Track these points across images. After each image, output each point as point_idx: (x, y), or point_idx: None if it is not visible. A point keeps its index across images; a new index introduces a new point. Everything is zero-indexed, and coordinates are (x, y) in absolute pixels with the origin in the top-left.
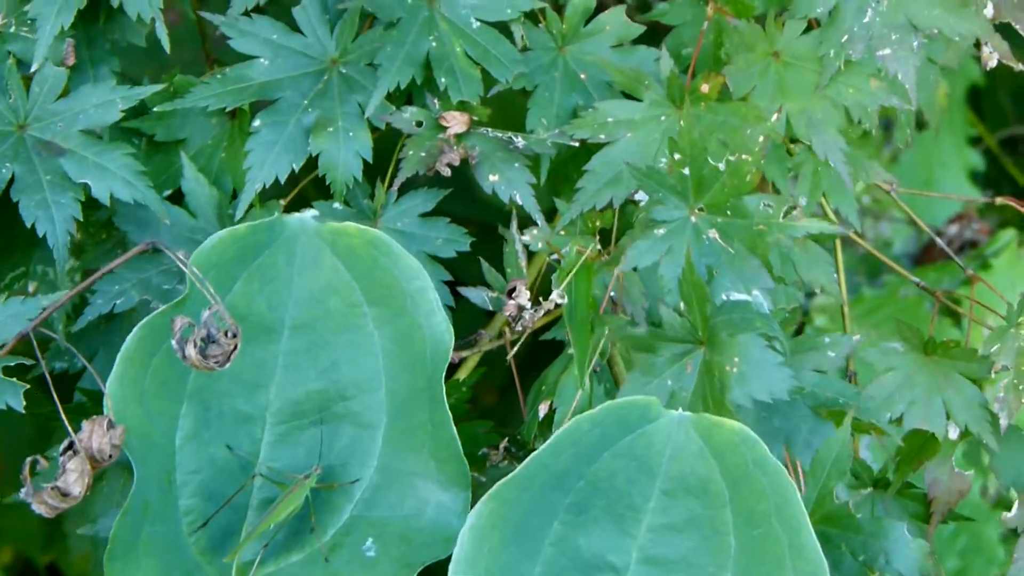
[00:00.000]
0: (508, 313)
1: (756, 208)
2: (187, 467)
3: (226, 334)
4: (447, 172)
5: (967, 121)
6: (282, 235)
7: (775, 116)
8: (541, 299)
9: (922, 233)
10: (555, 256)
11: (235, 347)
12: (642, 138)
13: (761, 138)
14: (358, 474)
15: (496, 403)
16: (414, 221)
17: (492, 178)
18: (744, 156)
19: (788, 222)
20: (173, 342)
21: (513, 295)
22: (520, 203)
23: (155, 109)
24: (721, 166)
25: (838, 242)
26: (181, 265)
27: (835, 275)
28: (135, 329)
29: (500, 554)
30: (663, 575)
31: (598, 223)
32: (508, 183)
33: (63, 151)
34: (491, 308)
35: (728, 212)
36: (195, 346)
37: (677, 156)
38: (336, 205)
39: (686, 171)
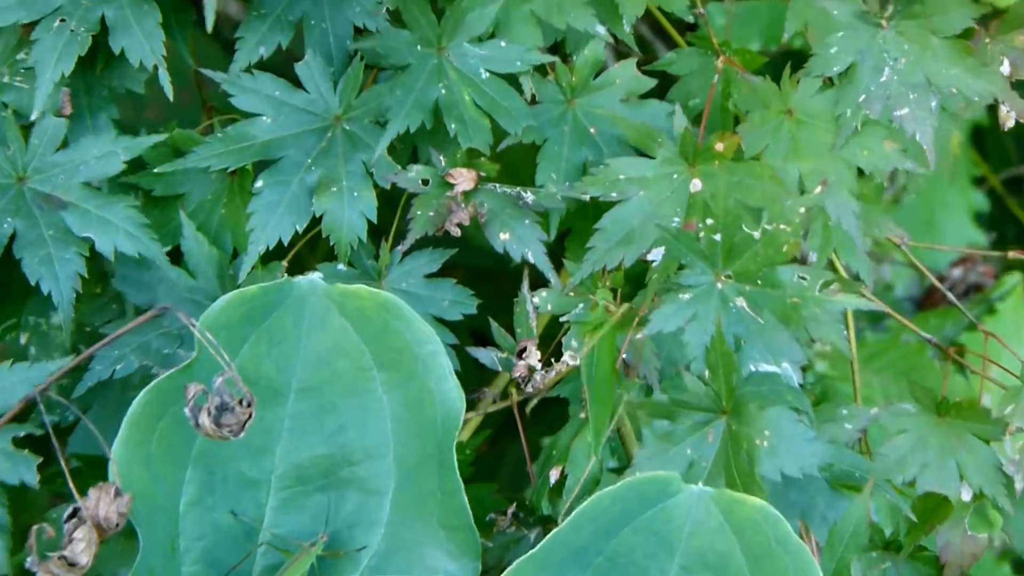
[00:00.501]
0: (518, 374)
1: (790, 280)
2: (191, 533)
3: (241, 402)
4: (457, 232)
5: (971, 161)
6: (291, 296)
7: (820, 188)
8: (553, 360)
9: (925, 276)
10: (565, 318)
11: (250, 416)
12: (654, 196)
13: (803, 210)
14: (364, 541)
15: (488, 451)
16: (419, 282)
17: (503, 236)
18: (782, 226)
19: (825, 297)
20: (186, 410)
21: (523, 355)
22: (532, 261)
23: (156, 170)
24: (756, 235)
25: (849, 313)
26: (192, 329)
27: (845, 332)
28: (142, 393)
29: None
30: None
31: (608, 283)
32: (519, 241)
33: (64, 204)
34: (500, 368)
35: (759, 282)
36: (209, 415)
37: (710, 221)
38: (340, 266)
39: (718, 237)
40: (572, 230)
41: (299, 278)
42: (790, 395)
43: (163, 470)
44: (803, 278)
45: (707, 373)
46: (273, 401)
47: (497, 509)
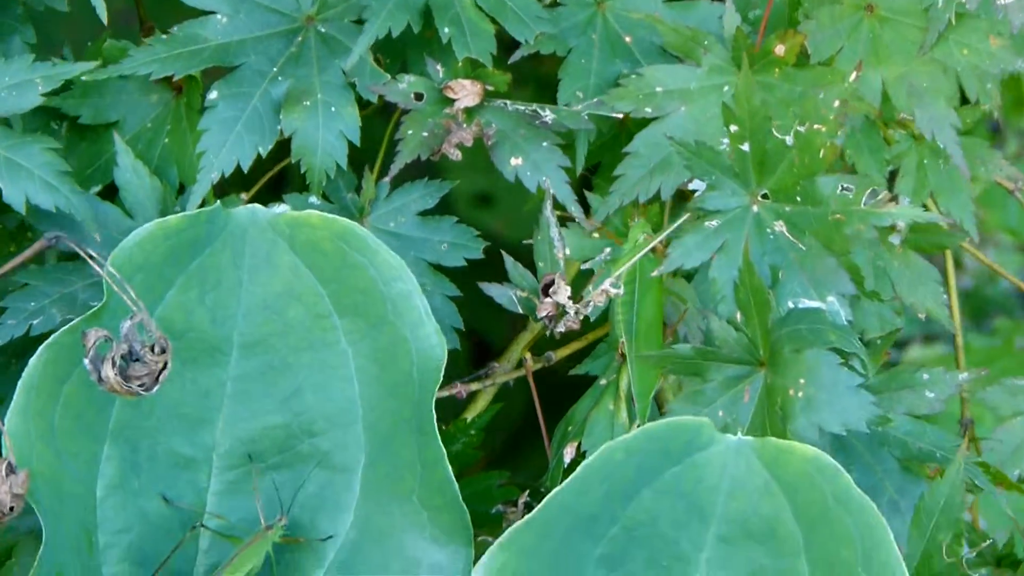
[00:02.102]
0: (544, 314)
1: (832, 192)
2: (112, 524)
3: (152, 349)
4: (457, 156)
5: None
6: (226, 229)
7: (853, 75)
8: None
9: None
10: (588, 264)
11: (164, 365)
12: (699, 112)
13: (836, 102)
14: (331, 529)
15: (507, 450)
16: (412, 221)
17: (514, 161)
18: (816, 126)
19: (872, 209)
20: (86, 361)
21: (550, 292)
22: (551, 190)
23: (84, 78)
24: (788, 139)
25: (949, 256)
26: (95, 266)
27: (945, 297)
28: (40, 349)
29: None
30: None
31: (642, 218)
32: (535, 167)
33: None
34: (520, 309)
35: (798, 198)
36: (114, 365)
37: (734, 128)
38: (313, 199)
39: (745, 147)
40: (602, 164)
41: (238, 208)
42: (833, 334)
43: (72, 446)
44: (847, 189)
45: (739, 315)
46: (210, 360)
47: (506, 499)
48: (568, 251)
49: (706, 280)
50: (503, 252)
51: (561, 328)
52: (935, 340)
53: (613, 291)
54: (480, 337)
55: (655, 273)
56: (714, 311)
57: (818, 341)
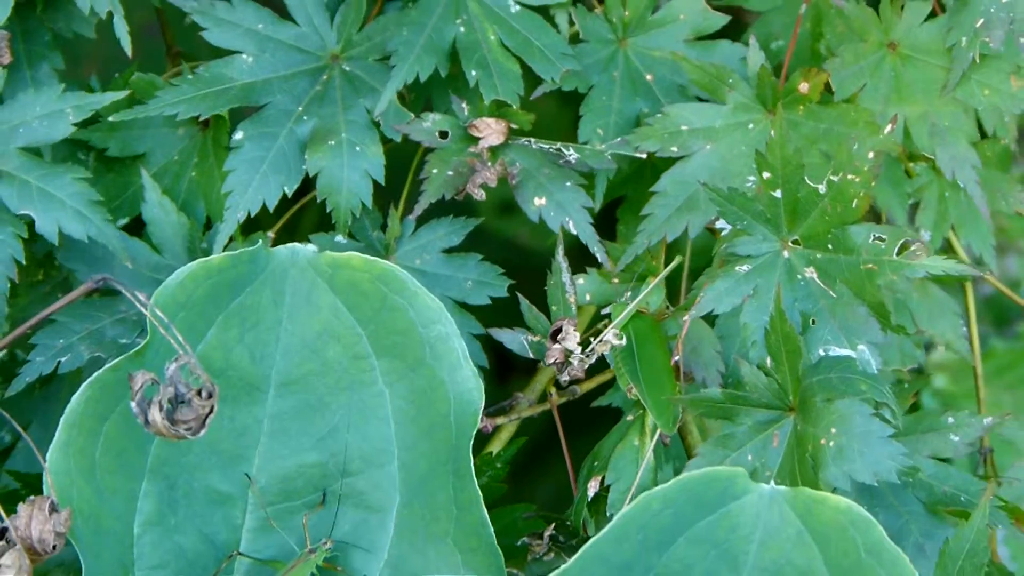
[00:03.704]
0: (552, 360)
1: (864, 241)
2: (149, 560)
3: (199, 393)
4: (481, 195)
5: None
6: (267, 268)
7: (889, 127)
8: (592, 341)
9: None
10: (608, 310)
11: (211, 410)
12: (725, 151)
13: (872, 153)
14: (365, 569)
15: (519, 472)
16: (436, 258)
17: (538, 202)
18: (850, 176)
19: (904, 260)
20: (133, 404)
21: (559, 337)
22: (574, 231)
23: (112, 118)
24: (821, 188)
25: (968, 285)
26: (140, 307)
27: (964, 327)
28: (83, 387)
29: None
30: None
31: (661, 264)
32: (558, 207)
33: None
34: (531, 354)
35: (829, 246)
36: (160, 409)
37: (767, 175)
38: (339, 238)
39: (777, 194)
40: (625, 198)
41: (279, 248)
42: (864, 384)
43: (111, 483)
44: (880, 239)
45: (769, 361)
46: (248, 398)
47: (532, 532)
48: (588, 297)
49: (730, 324)
50: (519, 296)
51: (566, 376)
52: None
53: (615, 341)
54: (501, 348)
55: (687, 317)
56: (744, 356)
57: (849, 390)
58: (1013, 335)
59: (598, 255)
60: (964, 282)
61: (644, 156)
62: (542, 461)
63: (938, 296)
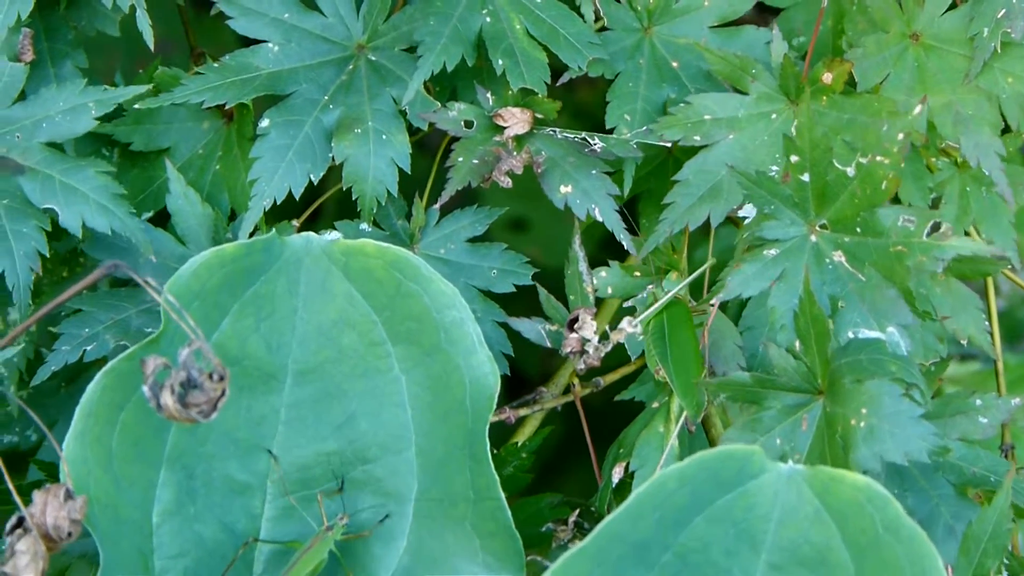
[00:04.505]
0: (569, 349)
1: (893, 224)
2: (168, 549)
3: (211, 377)
4: (507, 183)
5: None
6: (282, 257)
7: (919, 107)
8: (609, 330)
9: None
10: (631, 302)
11: (223, 393)
12: (748, 140)
13: (901, 135)
14: (384, 556)
15: (546, 470)
16: (461, 247)
17: (564, 190)
18: (879, 158)
19: (935, 241)
20: (145, 388)
21: (575, 327)
22: (600, 219)
23: (137, 106)
24: (850, 171)
25: (990, 283)
26: (153, 293)
27: (987, 323)
28: (98, 376)
29: None
30: None
31: (683, 258)
32: (584, 195)
33: (22, 169)
34: (548, 343)
35: (858, 229)
36: (172, 392)
37: (794, 159)
38: (364, 226)
39: (805, 177)
40: (648, 192)
41: (293, 236)
42: (895, 365)
43: (129, 472)
44: (909, 221)
45: (797, 345)
46: (265, 387)
47: (556, 519)
48: (610, 290)
49: (755, 316)
50: (537, 285)
51: (581, 365)
52: (971, 359)
53: (630, 329)
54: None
55: (714, 301)
56: (772, 341)
57: (879, 372)
58: (1023, 350)
59: (624, 242)
60: (987, 277)
61: (668, 145)
62: (569, 458)
63: (960, 291)
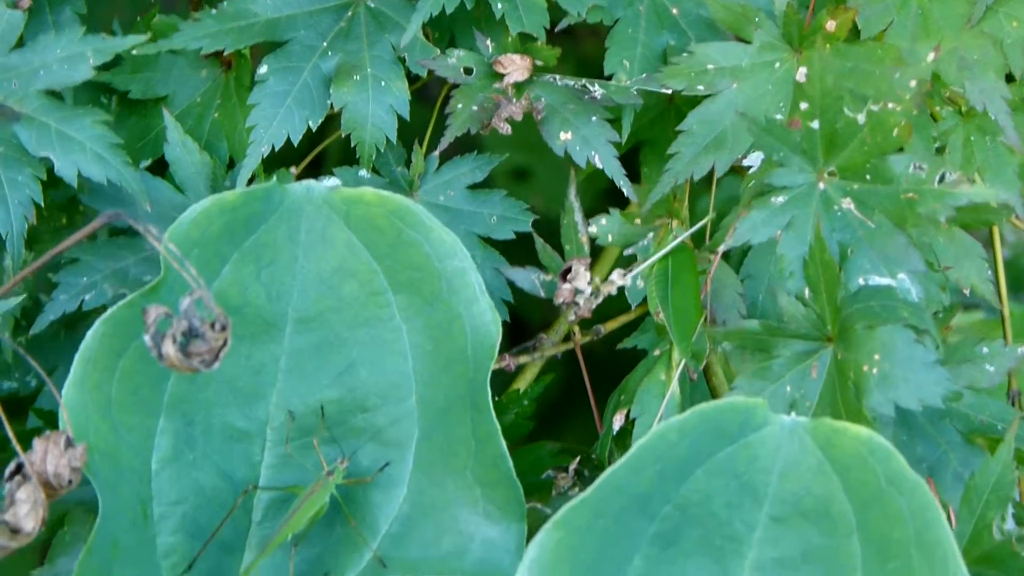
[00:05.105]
0: (561, 299)
1: (904, 171)
2: (167, 496)
3: (213, 326)
4: (506, 130)
5: None
6: (282, 205)
7: (932, 55)
8: (599, 281)
9: None
10: (631, 250)
11: (225, 342)
12: (751, 89)
13: (913, 83)
14: (384, 504)
15: (545, 420)
16: (461, 194)
17: (564, 136)
18: (891, 105)
19: (947, 188)
20: (146, 337)
21: (568, 277)
22: (600, 166)
23: (135, 51)
24: (860, 118)
25: (995, 231)
26: (153, 242)
27: (990, 272)
28: (97, 323)
29: None
30: None
31: (684, 206)
32: (584, 142)
33: (18, 116)
34: (542, 294)
35: (867, 177)
36: (174, 342)
37: (804, 106)
38: (363, 173)
39: (815, 125)
40: (649, 142)
41: (293, 184)
42: (907, 311)
43: (128, 419)
44: (920, 168)
45: (807, 292)
46: (265, 336)
47: (557, 466)
48: (610, 238)
49: (757, 264)
50: (534, 233)
51: (572, 317)
52: (975, 308)
53: (620, 282)
54: (514, 309)
55: (721, 248)
56: (781, 288)
57: (891, 318)
58: None
59: (624, 189)
60: (991, 227)
61: (669, 92)
62: (569, 406)
63: (964, 240)
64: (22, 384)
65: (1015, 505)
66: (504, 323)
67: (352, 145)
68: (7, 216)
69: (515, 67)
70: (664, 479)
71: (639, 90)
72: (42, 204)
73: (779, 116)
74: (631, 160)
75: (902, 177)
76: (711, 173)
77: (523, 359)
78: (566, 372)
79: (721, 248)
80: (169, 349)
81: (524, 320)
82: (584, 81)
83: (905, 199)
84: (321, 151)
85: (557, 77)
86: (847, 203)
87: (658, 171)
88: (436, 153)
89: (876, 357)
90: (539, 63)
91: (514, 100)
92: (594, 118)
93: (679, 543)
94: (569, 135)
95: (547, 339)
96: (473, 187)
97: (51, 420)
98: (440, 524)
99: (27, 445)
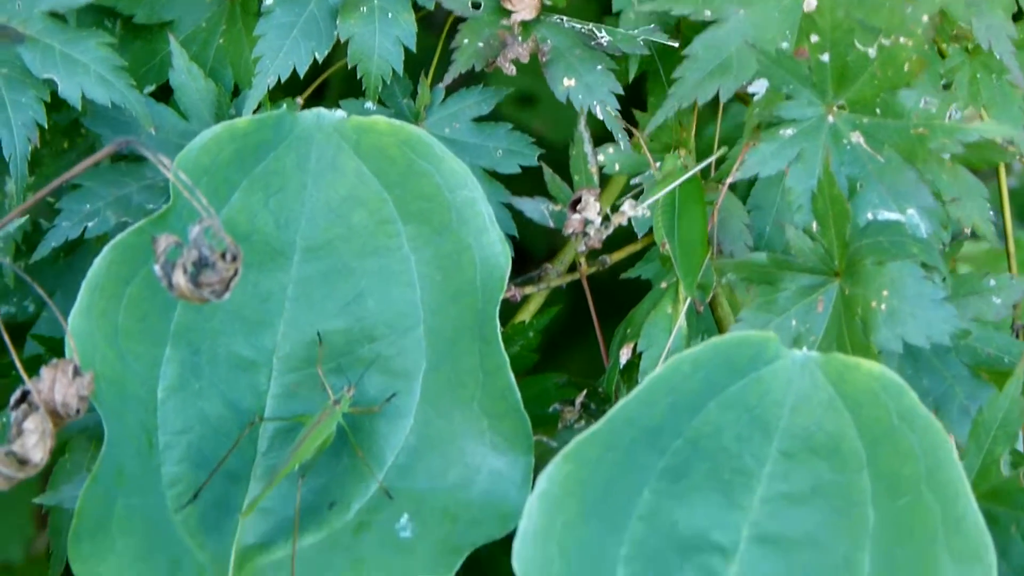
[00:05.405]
0: (571, 230)
1: (915, 106)
2: (172, 425)
3: (223, 256)
4: (512, 71)
5: None
6: (292, 133)
7: None
8: (610, 212)
9: None
10: (637, 179)
11: (235, 272)
12: (758, 17)
13: (925, 18)
14: (390, 435)
15: (549, 351)
16: (467, 127)
17: (567, 83)
18: (903, 39)
19: (958, 124)
20: (156, 267)
21: (578, 208)
22: (600, 116)
23: None
24: (871, 52)
25: (1002, 169)
26: (163, 169)
27: (992, 211)
28: (105, 250)
29: (577, 529)
30: (782, 557)
31: (691, 135)
32: (587, 90)
33: (22, 38)
34: (551, 224)
35: (877, 111)
36: (184, 272)
37: (815, 38)
38: (369, 104)
39: (825, 58)
40: (654, 71)
41: (304, 112)
42: (916, 247)
43: (134, 347)
44: (930, 103)
45: (815, 226)
46: (273, 264)
47: (563, 399)
48: (616, 167)
49: (763, 195)
50: (543, 164)
51: (582, 248)
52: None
53: (631, 212)
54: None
55: (729, 179)
56: (789, 221)
57: (900, 253)
58: None
59: (621, 143)
60: (996, 166)
61: (676, 46)
62: (574, 337)
63: (967, 179)
64: (20, 309)
65: (1015, 453)
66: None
67: (358, 77)
68: (10, 138)
69: (523, 5)
70: (676, 412)
71: (645, 40)
72: (46, 126)
73: (785, 44)
74: (637, 88)
75: (912, 112)
76: (717, 102)
77: (528, 290)
78: (570, 302)
79: (728, 180)
80: (180, 279)
81: (529, 252)
82: (592, 25)
83: (916, 134)
84: (323, 82)
85: (565, 19)
86: (856, 137)
87: (663, 99)
88: (442, 85)
89: (885, 293)
90: (548, 2)
91: (520, 40)
92: (599, 67)
93: (689, 477)
94: (573, 82)
95: (552, 269)
96: (479, 120)
97: (51, 346)
98: (447, 455)
99: (28, 371)
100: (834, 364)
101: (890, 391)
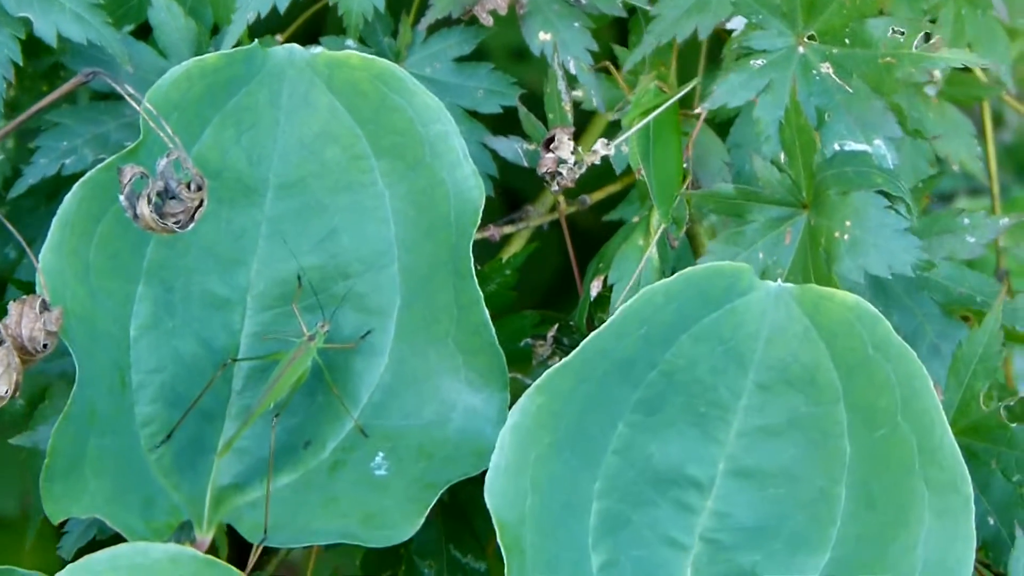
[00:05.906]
0: (544, 169)
1: (883, 35)
2: (145, 364)
3: (189, 187)
4: (489, 21)
5: None
6: (264, 68)
7: None
8: (583, 151)
9: None
10: (615, 115)
11: (201, 202)
12: None
13: None
14: (365, 372)
15: (542, 302)
16: (448, 67)
17: (543, 36)
18: None
19: (924, 52)
20: (121, 197)
21: (552, 146)
22: (575, 72)
23: None
24: None
25: (986, 106)
26: (131, 100)
27: (979, 148)
28: (75, 187)
29: (550, 462)
30: (758, 491)
31: (672, 70)
32: (563, 45)
33: None
34: (525, 163)
35: (846, 41)
36: (149, 202)
37: None
38: (349, 42)
39: None
40: (637, 11)
41: (275, 47)
42: (881, 177)
43: (106, 284)
44: (899, 33)
45: (782, 157)
46: (245, 201)
47: (535, 334)
48: (595, 102)
49: (743, 133)
50: (518, 102)
51: (556, 187)
52: (981, 193)
53: (603, 151)
54: (509, 186)
55: (698, 110)
56: (757, 151)
57: (865, 183)
58: None
59: (594, 100)
60: (981, 101)
61: (651, 9)
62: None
63: (954, 116)
64: (1, 256)
65: (998, 387)
66: (498, 197)
67: (339, 14)
68: None
69: None
70: (649, 344)
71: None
72: (21, 64)
73: None
74: (620, 29)
75: (880, 41)
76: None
77: (508, 229)
78: (557, 249)
79: (699, 109)
80: (144, 209)
81: (518, 195)
82: None
83: (883, 63)
84: (318, 23)
85: None
86: (826, 67)
87: (643, 35)
88: (422, 28)
89: (847, 223)
90: None
91: None
92: (577, 24)
93: (663, 410)
94: (549, 36)
95: (533, 210)
96: (460, 60)
97: (30, 290)
98: (422, 393)
99: (2, 312)
100: (809, 295)
101: (865, 321)
